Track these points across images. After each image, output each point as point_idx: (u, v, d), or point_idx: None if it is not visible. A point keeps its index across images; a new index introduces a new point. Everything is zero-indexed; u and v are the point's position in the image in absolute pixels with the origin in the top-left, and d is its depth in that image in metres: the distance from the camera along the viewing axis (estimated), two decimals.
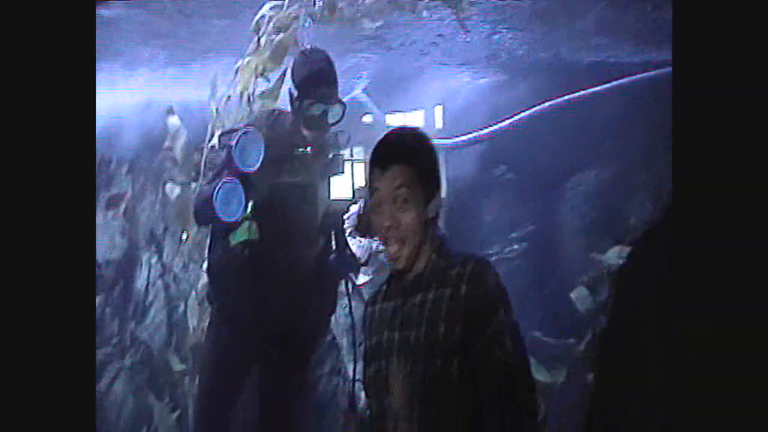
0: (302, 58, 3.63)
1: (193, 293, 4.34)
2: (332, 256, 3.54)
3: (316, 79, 3.52)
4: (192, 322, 4.22)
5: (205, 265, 3.84)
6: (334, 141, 3.62)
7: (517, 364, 2.08)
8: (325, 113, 3.50)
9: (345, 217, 3.51)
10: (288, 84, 3.70)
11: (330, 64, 3.58)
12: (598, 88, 4.93)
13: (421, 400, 2.09)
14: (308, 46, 3.71)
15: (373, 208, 2.20)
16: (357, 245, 3.55)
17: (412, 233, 2.16)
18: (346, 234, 3.48)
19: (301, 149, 3.53)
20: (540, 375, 4.31)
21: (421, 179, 2.17)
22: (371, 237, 2.60)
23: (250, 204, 3.40)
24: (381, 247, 2.34)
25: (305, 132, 3.55)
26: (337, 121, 3.56)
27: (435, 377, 2.09)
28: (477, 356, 2.07)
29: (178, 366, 4.29)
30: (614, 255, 4.42)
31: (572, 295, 4.47)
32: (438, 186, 2.23)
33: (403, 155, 2.20)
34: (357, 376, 4.02)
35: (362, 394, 2.35)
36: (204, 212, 3.47)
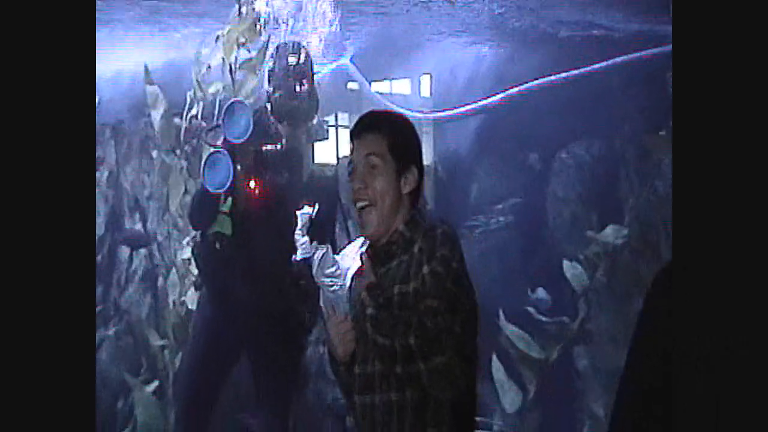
0: (277, 50, 3.53)
1: (173, 268, 4.18)
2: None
3: (288, 73, 3.43)
4: (172, 296, 4.08)
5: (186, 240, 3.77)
6: (319, 129, 3.54)
7: (450, 298, 2.05)
8: (296, 108, 3.42)
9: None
10: (269, 59, 3.60)
11: (307, 57, 3.49)
12: (593, 66, 4.77)
13: (379, 360, 2.10)
14: (286, 39, 3.57)
15: (349, 176, 2.22)
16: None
17: (380, 198, 2.16)
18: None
19: (272, 145, 3.44)
20: (533, 351, 4.22)
21: (392, 149, 2.18)
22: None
23: (228, 200, 3.31)
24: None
25: (279, 127, 3.46)
26: (310, 118, 3.48)
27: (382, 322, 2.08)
28: (417, 286, 2.06)
29: (157, 341, 4.13)
30: (611, 234, 4.30)
31: (567, 272, 4.34)
32: (414, 162, 2.22)
33: (374, 125, 2.24)
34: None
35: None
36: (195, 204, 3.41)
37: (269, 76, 3.50)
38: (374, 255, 2.20)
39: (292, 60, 3.47)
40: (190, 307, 4.05)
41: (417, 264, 2.09)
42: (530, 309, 4.41)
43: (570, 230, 4.80)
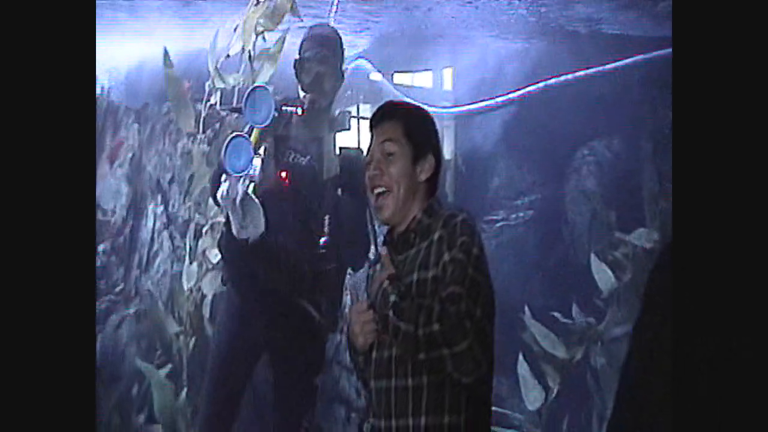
0: (311, 29, 3.52)
1: (192, 254, 4.07)
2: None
3: (318, 40, 3.41)
4: (189, 282, 3.96)
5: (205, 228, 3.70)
6: (341, 118, 3.45)
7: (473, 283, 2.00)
8: (322, 75, 3.35)
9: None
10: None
11: (336, 34, 3.48)
12: (616, 64, 4.60)
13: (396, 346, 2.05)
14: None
15: (367, 166, 2.19)
16: None
17: (396, 183, 2.13)
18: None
19: (290, 108, 3.35)
20: (558, 351, 4.09)
21: (407, 136, 2.16)
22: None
23: (251, 187, 3.20)
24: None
25: (302, 94, 3.39)
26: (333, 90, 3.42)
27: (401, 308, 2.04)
28: (436, 273, 2.03)
29: (174, 328, 4.02)
30: (640, 237, 4.13)
31: (595, 273, 4.17)
32: (430, 151, 2.19)
33: (390, 113, 2.22)
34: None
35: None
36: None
37: (300, 46, 3.44)
38: (393, 243, 2.18)
39: (324, 32, 3.48)
40: (205, 293, 3.94)
41: (437, 251, 2.05)
42: (556, 314, 4.26)
43: (589, 228, 4.65)
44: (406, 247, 2.14)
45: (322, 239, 3.26)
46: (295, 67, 3.41)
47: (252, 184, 3.20)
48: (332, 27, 3.57)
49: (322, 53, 3.35)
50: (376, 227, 3.20)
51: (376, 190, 2.15)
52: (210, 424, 3.44)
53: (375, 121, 2.22)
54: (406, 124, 2.17)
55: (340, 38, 3.49)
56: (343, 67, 3.49)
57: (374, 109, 2.30)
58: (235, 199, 3.14)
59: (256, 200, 3.17)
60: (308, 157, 3.35)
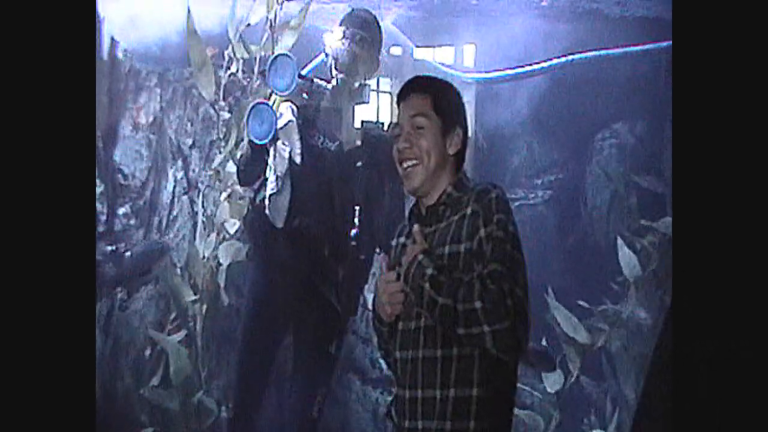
0: (350, 11, 3.49)
1: (210, 220, 3.97)
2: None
3: (358, 23, 3.37)
4: (207, 250, 3.87)
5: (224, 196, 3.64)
6: (362, 91, 3.39)
7: (500, 272, 1.93)
8: (357, 57, 3.31)
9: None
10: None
11: (376, 20, 3.44)
12: (643, 47, 4.42)
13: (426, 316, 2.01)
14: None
15: (396, 139, 2.14)
16: None
17: (426, 155, 2.09)
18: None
19: (322, 82, 3.31)
20: (579, 336, 3.98)
21: (437, 109, 2.12)
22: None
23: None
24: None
25: (334, 72, 3.37)
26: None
27: (437, 283, 1.98)
28: (470, 247, 1.98)
29: (190, 296, 3.92)
30: (668, 226, 3.97)
31: (621, 260, 4.03)
32: (458, 124, 2.15)
33: (420, 87, 2.18)
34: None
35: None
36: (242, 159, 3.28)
37: (340, 23, 3.38)
38: (421, 217, 2.13)
39: (365, 15, 3.42)
40: (221, 261, 3.84)
41: (471, 226, 2.00)
42: (581, 302, 4.14)
43: (609, 210, 4.52)
44: (435, 220, 2.10)
45: (353, 231, 3.18)
46: (331, 45, 3.35)
47: (283, 167, 3.12)
48: (373, 13, 3.50)
49: (361, 35, 3.30)
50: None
51: (406, 163, 2.10)
52: (241, 393, 3.38)
53: (403, 96, 2.16)
54: (435, 98, 2.13)
55: (380, 26, 3.44)
56: (380, 56, 3.42)
57: (394, 82, 2.27)
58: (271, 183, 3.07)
59: (288, 185, 3.09)
60: (336, 142, 3.28)
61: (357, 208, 3.19)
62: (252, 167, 3.29)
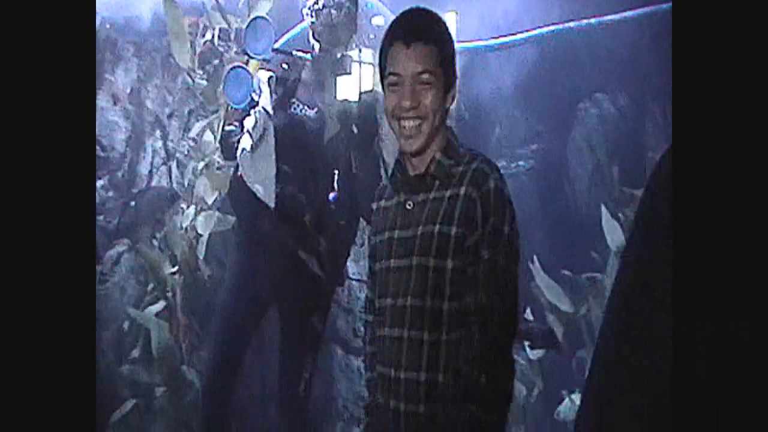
0: None
1: (188, 191, 3.86)
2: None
3: None
4: (185, 221, 3.77)
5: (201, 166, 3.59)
6: (344, 62, 3.25)
7: (503, 273, 1.85)
8: (337, 24, 3.20)
9: None
10: None
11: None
12: (624, 14, 4.32)
13: (414, 296, 1.88)
14: None
15: (390, 89, 1.92)
16: None
17: (432, 113, 1.89)
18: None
19: (301, 53, 3.22)
20: (563, 305, 3.94)
21: (443, 63, 1.90)
22: None
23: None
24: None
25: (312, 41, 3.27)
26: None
27: (425, 274, 1.88)
28: (466, 257, 1.85)
29: (169, 269, 3.82)
30: None
31: (605, 229, 3.97)
32: (455, 76, 1.95)
33: (430, 34, 1.91)
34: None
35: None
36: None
37: None
38: (409, 183, 1.95)
39: None
40: (200, 232, 3.74)
41: (465, 210, 1.85)
42: (566, 272, 4.09)
43: (590, 179, 4.46)
44: (424, 188, 1.92)
45: (332, 195, 3.08)
46: (309, 13, 3.23)
47: (263, 133, 3.00)
48: None
49: (340, 1, 3.18)
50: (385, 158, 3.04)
51: (409, 123, 1.88)
52: (217, 369, 3.28)
53: (405, 40, 1.89)
54: (442, 50, 1.90)
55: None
56: (358, 20, 3.32)
57: (376, 53, 2.07)
58: (247, 150, 2.96)
59: (271, 151, 2.98)
60: (315, 109, 3.17)
61: (336, 171, 3.10)
62: (232, 137, 3.18)
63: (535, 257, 4.04)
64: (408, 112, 1.88)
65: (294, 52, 3.22)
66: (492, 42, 4.63)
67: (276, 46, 3.27)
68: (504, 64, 4.74)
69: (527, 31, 4.54)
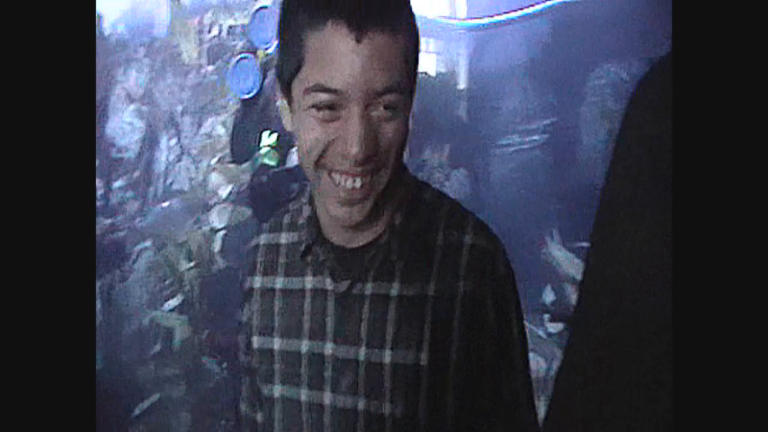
0: None
1: (203, 187, 3.84)
2: None
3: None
4: (197, 216, 3.75)
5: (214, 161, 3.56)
6: None
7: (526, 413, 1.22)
8: None
9: None
10: None
11: None
12: None
13: None
14: None
15: (316, 112, 1.04)
16: None
17: (395, 155, 1.06)
18: None
19: None
20: (580, 276, 3.86)
21: (408, 60, 1.05)
22: None
23: (274, 134, 2.97)
24: None
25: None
26: None
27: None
28: (473, 396, 1.15)
29: (185, 264, 3.81)
30: None
31: None
32: (416, 82, 1.10)
33: (395, 11, 1.03)
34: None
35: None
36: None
37: None
38: (337, 262, 1.16)
39: None
40: (215, 226, 3.72)
41: (474, 320, 1.14)
42: (583, 243, 4.00)
43: (605, 149, 4.34)
44: (370, 274, 1.14)
45: None
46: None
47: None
48: None
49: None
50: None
51: (356, 181, 1.05)
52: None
53: (356, 22, 0.99)
54: (409, 41, 1.05)
55: None
56: None
57: None
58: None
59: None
60: None
61: None
62: (242, 136, 3.19)
63: (554, 230, 3.95)
64: (356, 167, 1.04)
65: None
66: (503, 18, 4.52)
67: None
68: (515, 39, 4.64)
69: (537, 3, 4.43)
